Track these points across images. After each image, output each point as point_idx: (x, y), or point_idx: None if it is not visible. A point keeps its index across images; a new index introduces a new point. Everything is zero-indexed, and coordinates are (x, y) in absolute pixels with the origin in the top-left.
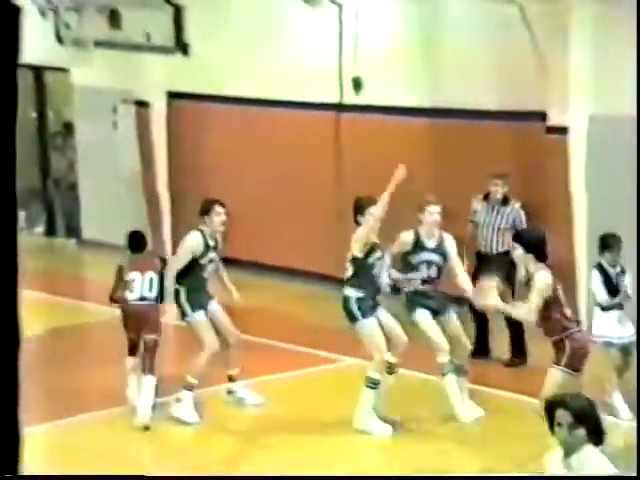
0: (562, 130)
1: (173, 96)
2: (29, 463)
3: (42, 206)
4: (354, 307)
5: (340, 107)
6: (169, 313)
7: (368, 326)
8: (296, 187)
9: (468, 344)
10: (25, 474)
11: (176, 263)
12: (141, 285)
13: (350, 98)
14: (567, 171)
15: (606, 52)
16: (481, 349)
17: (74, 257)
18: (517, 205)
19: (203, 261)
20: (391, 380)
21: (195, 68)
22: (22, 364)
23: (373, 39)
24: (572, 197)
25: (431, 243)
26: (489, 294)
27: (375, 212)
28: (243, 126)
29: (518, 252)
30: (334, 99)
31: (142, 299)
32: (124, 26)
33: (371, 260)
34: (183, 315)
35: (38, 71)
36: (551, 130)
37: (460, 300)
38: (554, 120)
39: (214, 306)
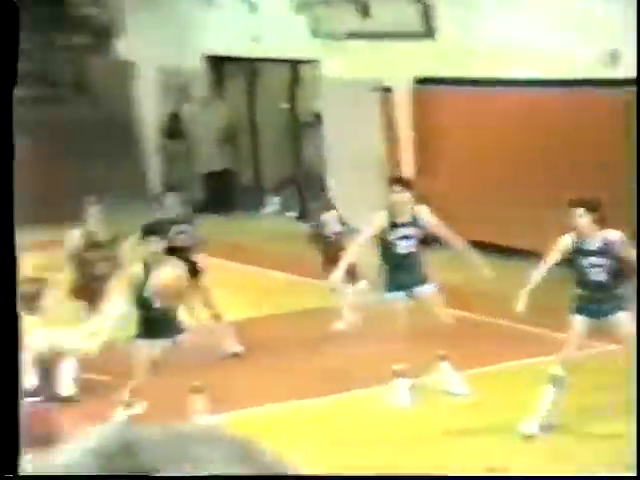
0: None
1: (419, 82)
2: None
3: (295, 192)
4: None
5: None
6: None
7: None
8: (536, 167)
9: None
10: (25, 474)
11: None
12: None
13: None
14: None
15: None
16: None
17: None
18: None
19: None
20: None
21: (443, 52)
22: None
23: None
24: None
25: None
26: None
27: None
28: (488, 108)
29: None
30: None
31: None
32: (374, 15)
33: None
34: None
35: (293, 64)
36: None
37: None
38: None
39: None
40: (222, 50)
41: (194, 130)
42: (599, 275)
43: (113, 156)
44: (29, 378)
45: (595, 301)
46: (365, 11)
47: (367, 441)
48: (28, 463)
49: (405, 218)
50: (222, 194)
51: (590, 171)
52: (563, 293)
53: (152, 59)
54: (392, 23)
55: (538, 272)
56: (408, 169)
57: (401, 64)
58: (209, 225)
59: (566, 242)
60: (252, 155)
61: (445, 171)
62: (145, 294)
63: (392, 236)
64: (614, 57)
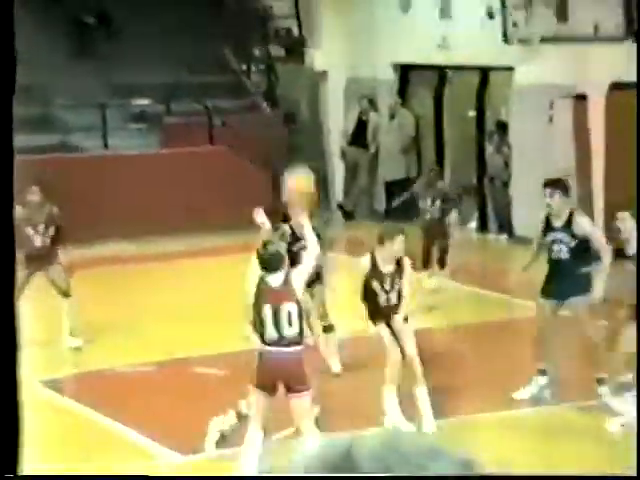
0: None
1: (615, 87)
2: None
3: (475, 203)
4: None
5: None
6: None
7: None
8: None
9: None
10: (25, 474)
11: None
12: None
13: None
14: None
15: None
16: None
17: (505, 253)
18: None
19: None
20: None
21: None
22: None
23: None
24: None
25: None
26: None
27: None
28: None
29: None
30: None
31: None
32: (571, 18)
33: None
34: None
35: (483, 71)
36: None
37: None
38: None
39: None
40: (412, 58)
41: (379, 138)
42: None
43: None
44: None
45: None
46: (563, 14)
47: None
48: None
49: (560, 222)
50: (404, 203)
51: None
52: None
53: (343, 68)
54: (591, 26)
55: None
56: (598, 181)
57: (597, 69)
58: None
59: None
60: (436, 164)
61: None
62: None
63: (547, 239)
64: None
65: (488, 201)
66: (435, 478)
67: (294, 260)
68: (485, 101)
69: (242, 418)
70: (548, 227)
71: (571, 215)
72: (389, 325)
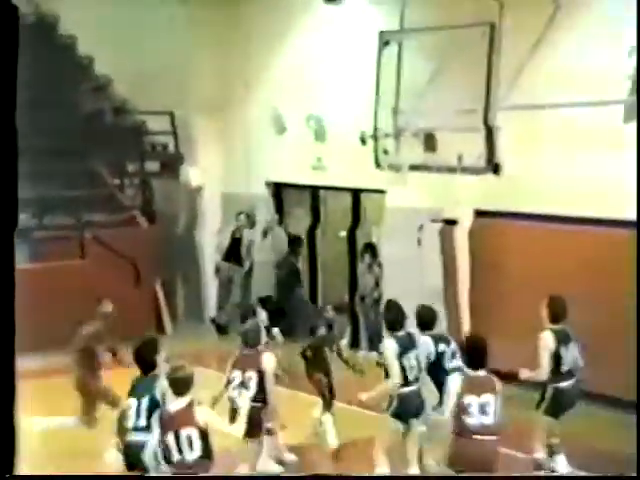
0: None
1: (480, 214)
2: None
3: (348, 320)
4: None
5: None
6: None
7: None
8: (602, 308)
9: None
10: (24, 474)
11: None
12: None
13: None
14: None
15: None
16: None
17: (375, 370)
18: None
19: None
20: None
21: (505, 187)
22: None
23: None
24: None
25: None
26: None
27: None
28: (548, 243)
29: None
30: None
31: None
32: (438, 149)
33: None
34: None
35: (357, 193)
36: None
37: None
38: None
39: None
40: (286, 177)
41: (253, 255)
42: None
43: (174, 277)
44: None
45: None
46: (431, 145)
47: None
48: None
49: None
50: (278, 319)
51: None
52: None
53: (218, 184)
54: (456, 157)
55: None
56: (465, 304)
57: (462, 196)
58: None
59: None
60: (309, 281)
61: (500, 307)
62: None
63: None
64: None
65: (359, 319)
66: (435, 478)
67: None
68: (359, 221)
69: None
70: None
71: None
72: None
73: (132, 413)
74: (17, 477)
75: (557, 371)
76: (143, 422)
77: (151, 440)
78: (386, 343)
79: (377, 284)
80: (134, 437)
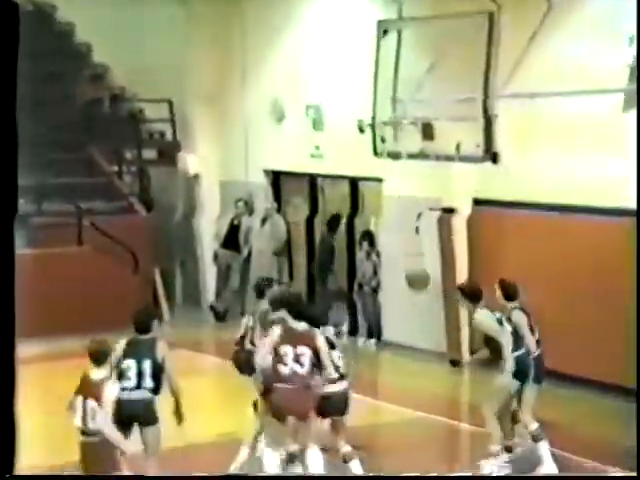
0: None
1: (478, 203)
2: None
3: (346, 307)
4: None
5: None
6: None
7: None
8: (598, 296)
9: None
10: (24, 474)
11: None
12: None
13: None
14: None
15: None
16: None
17: (373, 358)
18: None
19: None
20: None
21: (503, 176)
22: None
23: None
24: None
25: None
26: None
27: None
28: (546, 233)
29: None
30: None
31: None
32: (436, 137)
33: None
34: None
35: (355, 181)
36: None
37: None
38: None
39: None
40: (284, 165)
41: (252, 242)
42: None
43: (172, 265)
44: None
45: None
46: (429, 133)
47: None
48: None
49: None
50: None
51: None
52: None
53: (216, 172)
54: (453, 146)
55: None
56: None
57: (460, 185)
58: None
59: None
60: (306, 269)
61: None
62: None
63: None
64: None
65: (358, 306)
66: (436, 478)
67: None
68: (357, 210)
69: None
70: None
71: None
72: None
73: (133, 374)
74: (17, 477)
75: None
76: (149, 384)
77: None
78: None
79: (375, 272)
80: (134, 396)
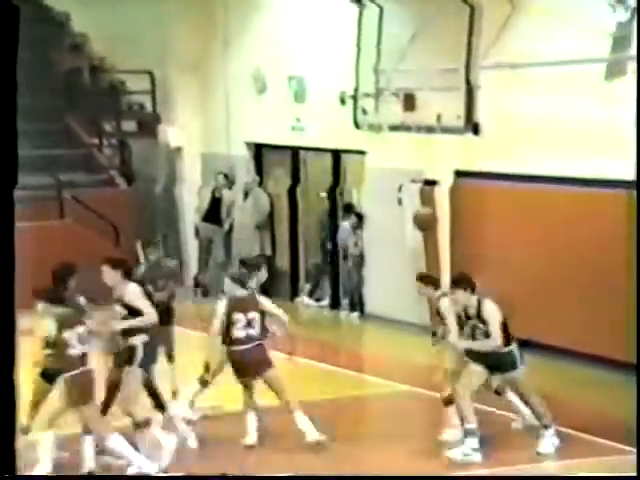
0: None
1: (460, 175)
2: None
3: (328, 280)
4: None
5: (634, 184)
6: None
7: None
8: (581, 267)
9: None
10: (24, 474)
11: None
12: None
13: None
14: None
15: None
16: None
17: (356, 330)
18: None
19: None
20: None
21: (484, 147)
22: None
23: None
24: None
25: None
26: None
27: None
28: (527, 203)
29: None
30: (627, 175)
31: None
32: (418, 109)
33: None
34: None
35: (337, 154)
36: None
37: None
38: None
39: None
40: (266, 138)
41: (234, 215)
42: None
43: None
44: None
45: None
46: (410, 104)
47: None
48: None
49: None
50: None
51: (628, 268)
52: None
53: (198, 144)
54: (434, 117)
55: None
56: (445, 262)
57: (442, 157)
58: None
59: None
60: (289, 242)
61: (480, 266)
62: None
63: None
64: None
65: (340, 279)
66: (435, 478)
67: None
68: (339, 182)
69: None
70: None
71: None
72: None
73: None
74: (17, 477)
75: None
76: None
77: None
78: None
79: (357, 245)
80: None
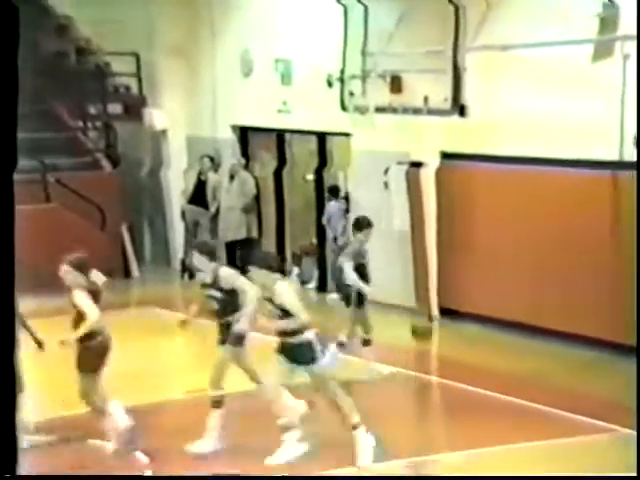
0: None
1: (446, 157)
2: None
3: (316, 264)
4: None
5: (618, 165)
6: None
7: None
8: (568, 249)
9: None
10: (24, 474)
11: None
12: None
13: (631, 156)
14: None
15: None
16: None
17: (342, 313)
18: None
19: None
20: None
21: (471, 129)
22: None
23: None
24: None
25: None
26: None
27: None
28: (513, 185)
29: None
30: (612, 156)
31: None
32: (404, 90)
33: None
34: None
35: (323, 136)
36: None
37: None
38: None
39: None
40: (252, 120)
41: (220, 198)
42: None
43: (140, 221)
44: None
45: None
46: (397, 86)
47: None
48: None
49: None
50: (244, 263)
51: (614, 249)
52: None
53: (183, 127)
54: (422, 99)
55: None
56: (432, 243)
57: (429, 139)
58: None
59: None
60: (276, 225)
61: (467, 249)
62: None
63: None
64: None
65: (327, 262)
66: (434, 478)
67: None
68: (325, 165)
69: None
70: None
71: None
72: None
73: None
74: (17, 477)
75: None
76: None
77: None
78: None
79: (345, 228)
80: None
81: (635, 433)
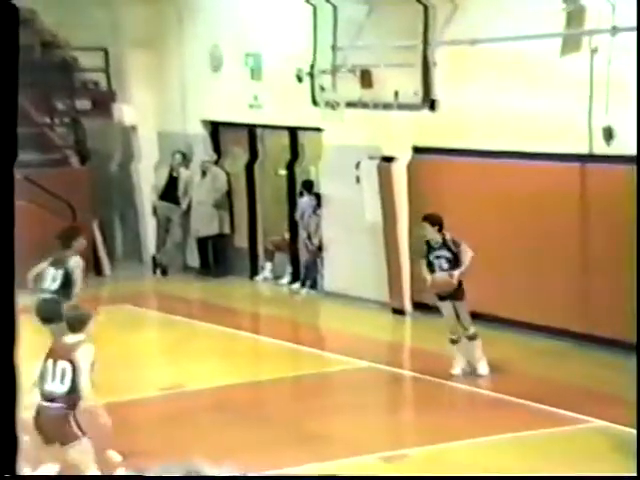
0: None
1: (417, 151)
2: None
3: (288, 258)
4: None
5: (588, 158)
6: None
7: None
8: (537, 240)
9: None
10: (24, 474)
11: None
12: None
13: (600, 148)
14: None
15: None
16: None
17: (315, 308)
18: None
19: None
20: None
21: (442, 123)
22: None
23: (626, 83)
24: None
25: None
26: None
27: None
28: (483, 179)
29: None
30: (582, 149)
31: None
32: (375, 85)
33: None
34: None
35: (294, 131)
36: None
37: None
38: None
39: None
40: (223, 115)
41: (191, 194)
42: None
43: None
44: None
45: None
46: (367, 81)
47: None
48: None
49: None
50: (216, 259)
51: (591, 239)
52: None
53: (153, 122)
54: (392, 94)
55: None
56: (404, 237)
57: (399, 133)
58: (203, 289)
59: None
60: (248, 220)
61: None
62: None
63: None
64: (608, 134)
65: (300, 256)
66: (430, 478)
67: None
68: (297, 160)
69: None
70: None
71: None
72: None
73: (48, 277)
74: (17, 477)
75: None
76: (55, 286)
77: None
78: None
79: (317, 223)
80: (48, 296)
81: (635, 432)
